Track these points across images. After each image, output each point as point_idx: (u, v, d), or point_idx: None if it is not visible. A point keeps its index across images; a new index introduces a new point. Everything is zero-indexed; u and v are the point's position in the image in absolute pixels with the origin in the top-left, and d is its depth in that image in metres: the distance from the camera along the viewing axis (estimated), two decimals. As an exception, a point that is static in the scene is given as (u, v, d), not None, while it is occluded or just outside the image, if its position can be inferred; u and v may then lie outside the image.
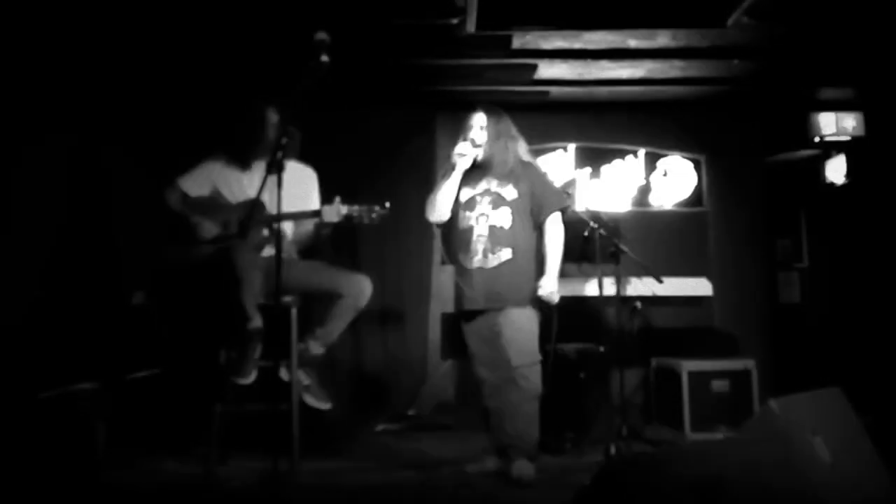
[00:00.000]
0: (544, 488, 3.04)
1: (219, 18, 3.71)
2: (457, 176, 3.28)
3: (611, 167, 5.18)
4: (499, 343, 3.16)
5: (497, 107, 3.39)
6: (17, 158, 3.56)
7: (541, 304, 3.22)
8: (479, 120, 3.30)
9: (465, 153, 3.24)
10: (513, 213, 3.23)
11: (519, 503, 2.96)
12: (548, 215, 3.28)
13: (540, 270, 3.24)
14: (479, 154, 3.27)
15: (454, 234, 3.35)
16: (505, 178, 3.27)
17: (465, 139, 3.28)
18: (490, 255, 3.21)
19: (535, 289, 3.19)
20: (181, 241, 3.33)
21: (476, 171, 3.31)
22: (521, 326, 3.18)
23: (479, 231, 3.24)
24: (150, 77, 4.22)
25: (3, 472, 2.80)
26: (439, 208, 3.31)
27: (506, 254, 3.20)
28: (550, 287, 3.20)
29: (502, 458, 3.20)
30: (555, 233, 3.28)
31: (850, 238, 4.73)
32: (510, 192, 3.26)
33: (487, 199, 3.27)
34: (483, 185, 3.30)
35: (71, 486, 2.96)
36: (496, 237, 3.21)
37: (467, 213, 3.29)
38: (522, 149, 3.36)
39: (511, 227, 3.22)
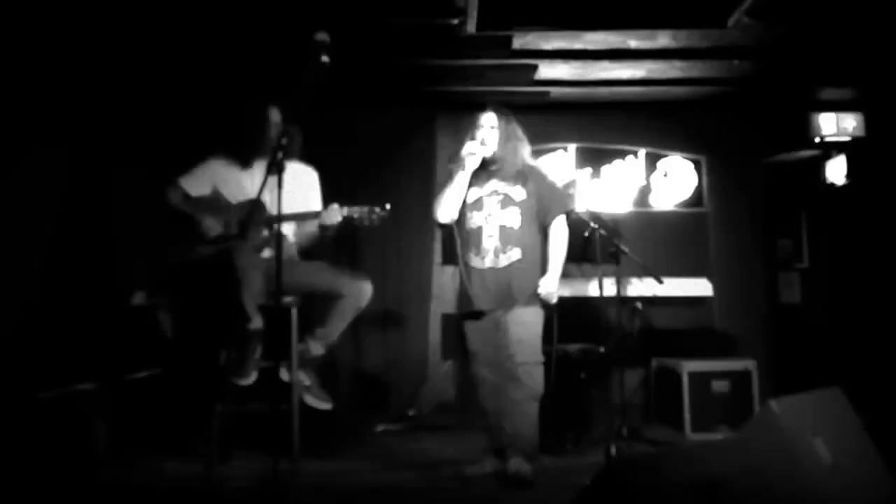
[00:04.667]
0: (544, 488, 3.05)
1: (219, 19, 3.71)
2: (466, 175, 3.26)
3: (611, 168, 5.18)
4: (504, 340, 3.16)
5: (506, 108, 3.38)
6: (17, 158, 3.56)
7: (541, 304, 3.22)
8: (489, 120, 3.30)
9: (474, 152, 3.23)
10: (521, 214, 3.24)
11: (519, 503, 2.96)
12: (554, 218, 3.28)
13: (544, 271, 3.24)
14: (488, 153, 3.27)
15: (462, 235, 3.32)
16: (513, 178, 3.27)
17: (474, 139, 3.28)
18: (501, 255, 3.21)
19: (536, 288, 3.19)
20: (182, 241, 3.33)
21: (483, 172, 3.30)
22: (528, 325, 3.18)
23: (489, 231, 3.23)
24: (150, 77, 4.22)
25: (3, 472, 2.81)
26: (448, 208, 3.29)
27: (516, 253, 3.20)
28: (550, 287, 3.20)
29: (500, 458, 3.19)
30: (559, 235, 3.28)
31: (850, 238, 4.73)
32: (518, 193, 3.26)
33: (496, 199, 3.27)
34: (491, 186, 3.29)
35: (71, 486, 2.96)
36: (506, 237, 3.21)
37: (475, 213, 3.28)
38: (527, 151, 3.37)
39: (520, 228, 3.23)
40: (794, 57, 4.23)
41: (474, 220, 3.28)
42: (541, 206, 3.28)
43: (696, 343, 4.71)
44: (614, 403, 4.17)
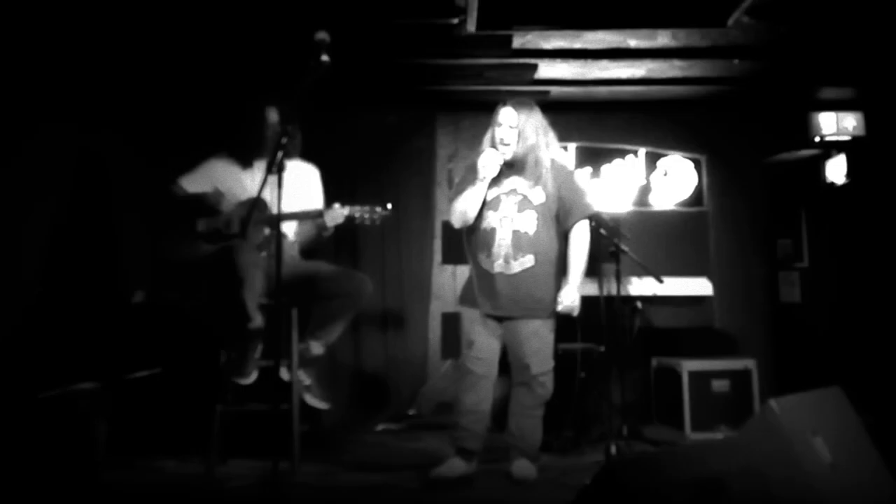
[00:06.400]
0: (545, 488, 3.05)
1: (220, 18, 3.71)
2: (484, 185, 3.11)
3: (611, 167, 5.18)
4: (519, 350, 3.12)
5: (528, 99, 3.22)
6: (17, 156, 3.56)
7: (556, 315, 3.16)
8: (507, 118, 3.11)
9: (490, 164, 3.07)
10: (538, 218, 3.10)
11: (520, 503, 2.96)
12: (575, 222, 3.15)
13: (558, 277, 3.15)
14: (508, 154, 3.12)
15: (475, 234, 3.20)
16: (534, 179, 3.12)
17: (492, 145, 3.13)
18: (512, 262, 3.08)
19: (556, 301, 3.10)
20: (182, 240, 3.33)
21: (503, 170, 3.14)
22: (543, 337, 3.14)
23: (502, 235, 3.10)
24: (151, 76, 4.22)
25: (3, 472, 2.80)
26: (465, 217, 3.16)
27: (528, 260, 3.08)
28: (571, 300, 3.09)
29: (467, 458, 3.14)
30: (581, 241, 3.16)
31: (850, 238, 4.73)
32: (538, 196, 3.12)
33: (513, 200, 3.12)
34: (510, 185, 3.15)
35: (71, 486, 2.96)
36: (519, 243, 3.08)
37: (491, 213, 3.14)
38: (554, 145, 3.20)
39: (535, 233, 3.09)
40: (794, 56, 4.23)
41: (489, 220, 3.14)
42: (561, 208, 3.15)
43: (697, 342, 4.71)
44: (614, 403, 4.16)
